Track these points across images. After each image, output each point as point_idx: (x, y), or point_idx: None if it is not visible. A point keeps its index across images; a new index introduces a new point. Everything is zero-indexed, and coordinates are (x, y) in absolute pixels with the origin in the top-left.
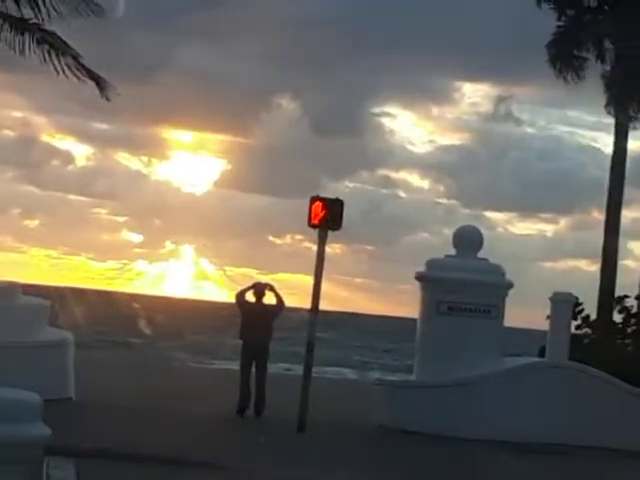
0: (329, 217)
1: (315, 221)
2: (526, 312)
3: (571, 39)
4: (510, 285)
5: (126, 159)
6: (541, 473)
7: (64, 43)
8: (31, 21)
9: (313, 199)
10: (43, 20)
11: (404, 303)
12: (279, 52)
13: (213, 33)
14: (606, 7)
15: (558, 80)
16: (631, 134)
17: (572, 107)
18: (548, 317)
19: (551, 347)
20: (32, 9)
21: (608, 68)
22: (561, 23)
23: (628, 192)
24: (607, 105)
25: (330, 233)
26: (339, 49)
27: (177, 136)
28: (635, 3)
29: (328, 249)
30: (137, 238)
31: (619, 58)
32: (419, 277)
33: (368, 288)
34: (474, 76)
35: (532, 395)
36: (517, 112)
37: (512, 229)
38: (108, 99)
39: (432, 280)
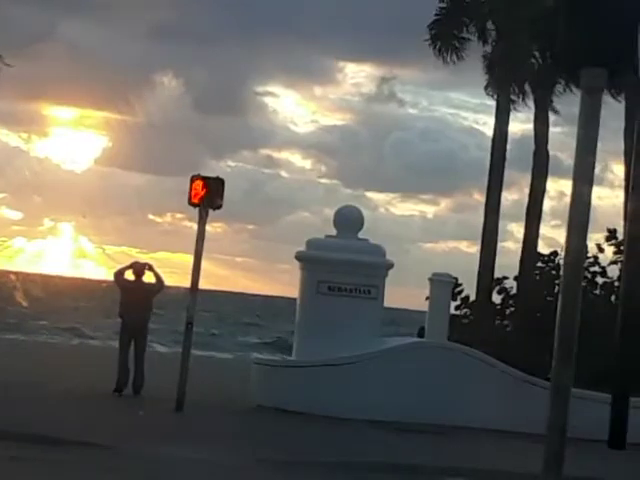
0: (209, 196)
1: (195, 200)
2: (407, 293)
3: (453, 20)
4: (390, 265)
5: (5, 135)
6: (414, 451)
7: None
8: None
9: (194, 178)
10: None
11: (285, 283)
12: (163, 29)
13: (97, 8)
14: None
15: (439, 60)
16: (513, 116)
17: (455, 89)
18: (427, 298)
19: (430, 327)
20: None
21: (489, 49)
22: (444, 4)
23: (509, 174)
24: (487, 87)
25: (211, 212)
26: (224, 28)
27: (58, 112)
28: None
29: (209, 228)
30: (16, 215)
31: (500, 39)
32: (299, 257)
33: (249, 267)
34: (357, 57)
35: (410, 375)
36: (400, 93)
37: (393, 210)
38: None
39: (312, 260)
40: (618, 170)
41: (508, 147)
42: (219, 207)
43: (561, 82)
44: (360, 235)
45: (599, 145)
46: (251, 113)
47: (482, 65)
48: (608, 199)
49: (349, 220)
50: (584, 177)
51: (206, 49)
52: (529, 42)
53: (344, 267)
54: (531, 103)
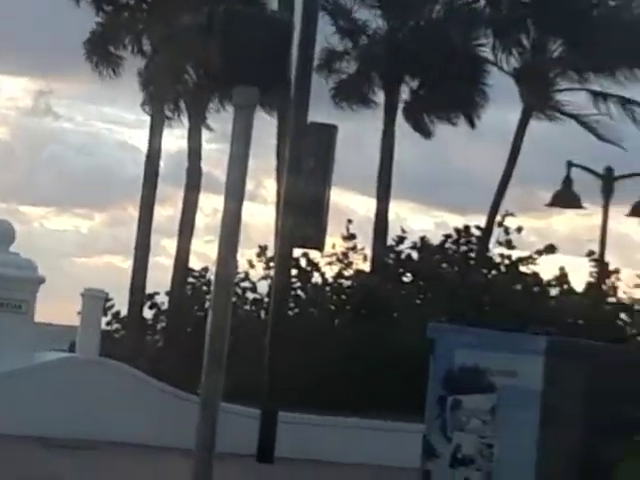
0: None
1: None
2: (60, 308)
3: (109, 35)
4: (41, 280)
5: None
6: (61, 465)
7: None
8: None
9: None
10: None
11: None
12: None
13: None
14: (144, 5)
15: (95, 76)
16: (168, 132)
17: (112, 104)
18: (79, 313)
19: (81, 342)
20: None
21: (144, 65)
22: (100, 20)
23: (164, 190)
24: (143, 103)
25: None
26: None
27: None
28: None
29: None
30: None
31: (155, 56)
32: None
33: None
34: (14, 70)
35: (61, 390)
36: (56, 107)
37: (48, 224)
38: None
39: None
40: (272, 187)
41: (163, 163)
42: None
43: (215, 100)
44: (12, 249)
45: (253, 162)
46: None
47: (138, 81)
48: (261, 216)
49: None
50: (235, 193)
51: None
52: (183, 59)
53: None
54: (186, 120)
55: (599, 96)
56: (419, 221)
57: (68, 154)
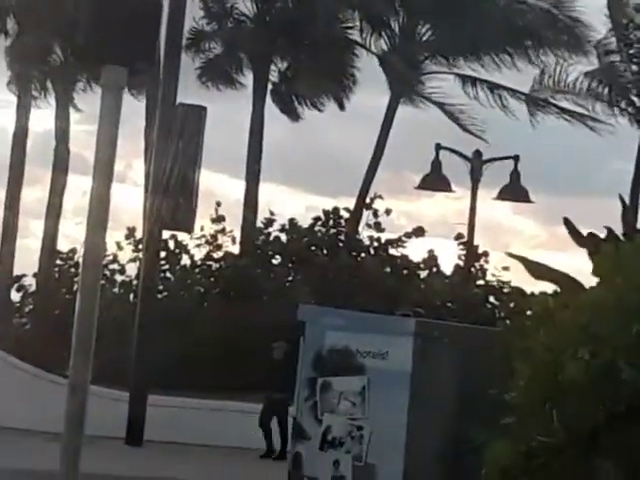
0: None
1: None
2: None
3: None
4: None
5: None
6: None
7: None
8: None
9: None
10: None
11: None
12: None
13: None
14: None
15: None
16: (38, 113)
17: None
18: None
19: None
20: None
21: (9, 44)
22: None
23: (32, 171)
24: (9, 83)
25: None
26: None
27: None
28: None
29: None
30: None
31: (20, 34)
32: None
33: None
34: None
35: None
36: None
37: None
38: None
39: None
40: (141, 169)
41: (31, 144)
42: None
43: (83, 80)
44: None
45: (122, 144)
46: None
47: (4, 60)
48: (131, 198)
49: None
50: (103, 174)
51: None
52: (50, 38)
53: None
54: (53, 100)
55: (468, 80)
56: (289, 204)
57: None
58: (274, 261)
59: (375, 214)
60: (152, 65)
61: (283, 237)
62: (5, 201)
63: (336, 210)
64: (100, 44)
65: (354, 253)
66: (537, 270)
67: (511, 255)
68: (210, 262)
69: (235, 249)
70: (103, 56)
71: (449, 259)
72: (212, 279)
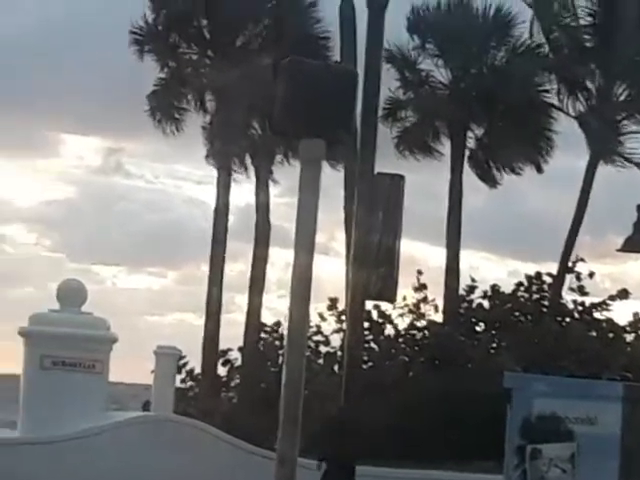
0: None
1: None
2: (134, 366)
3: (172, 90)
4: (114, 339)
5: None
6: None
7: None
8: None
9: None
10: None
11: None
12: None
13: None
14: (207, 60)
15: (159, 131)
16: (237, 187)
17: (179, 160)
18: (153, 371)
19: (156, 401)
20: None
21: (209, 120)
22: (163, 75)
23: (235, 245)
24: (207, 157)
25: None
26: None
27: None
28: (232, 54)
29: None
30: None
31: (219, 110)
32: (22, 332)
33: None
34: (81, 129)
35: (136, 448)
36: (127, 165)
37: (120, 283)
38: None
39: (34, 335)
40: (342, 239)
41: (232, 218)
42: None
43: (280, 153)
44: (85, 309)
45: (323, 215)
46: None
47: (203, 136)
48: (332, 268)
49: (71, 294)
50: (305, 246)
51: None
52: (248, 113)
53: (67, 341)
54: (252, 174)
55: None
56: (491, 270)
57: (138, 212)
58: (478, 328)
59: (578, 277)
60: (349, 136)
61: (486, 304)
62: (209, 276)
63: (539, 275)
64: (298, 118)
65: (558, 318)
66: None
67: None
68: (414, 331)
69: (438, 317)
70: (301, 130)
71: None
72: (416, 348)
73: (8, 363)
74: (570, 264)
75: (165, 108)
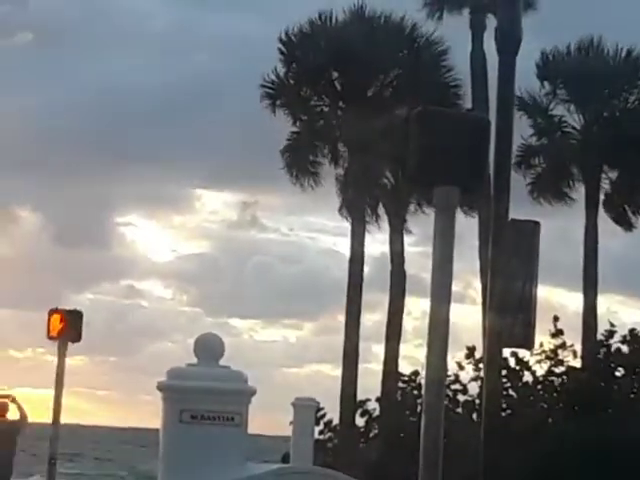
0: (67, 329)
1: (54, 333)
2: (271, 419)
3: (306, 144)
4: (253, 392)
5: None
6: None
7: None
8: None
9: (51, 311)
10: None
11: (148, 414)
12: (21, 162)
13: None
14: (339, 112)
15: (294, 185)
16: (371, 236)
17: (313, 212)
18: (291, 423)
19: (295, 453)
20: None
21: (341, 171)
22: (296, 129)
23: (371, 295)
24: (341, 208)
25: (71, 345)
26: (83, 159)
27: None
28: (363, 105)
29: (70, 361)
30: None
31: (351, 161)
32: (160, 387)
33: (110, 400)
34: (215, 184)
35: None
36: (261, 218)
37: (256, 336)
38: None
39: (173, 389)
40: (478, 286)
41: (367, 268)
42: (78, 340)
43: (413, 202)
44: (223, 362)
45: (460, 263)
46: (112, 244)
47: (336, 187)
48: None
49: (209, 348)
50: (441, 295)
51: (66, 182)
52: (380, 163)
53: (206, 395)
54: (385, 223)
55: None
56: (629, 314)
57: (273, 264)
58: (617, 373)
59: None
60: (483, 183)
61: (625, 348)
62: (345, 326)
63: None
64: (432, 166)
65: None
66: None
67: None
68: (552, 377)
69: (577, 363)
70: (435, 178)
71: None
72: (555, 394)
73: (152, 418)
74: None
75: (301, 163)
